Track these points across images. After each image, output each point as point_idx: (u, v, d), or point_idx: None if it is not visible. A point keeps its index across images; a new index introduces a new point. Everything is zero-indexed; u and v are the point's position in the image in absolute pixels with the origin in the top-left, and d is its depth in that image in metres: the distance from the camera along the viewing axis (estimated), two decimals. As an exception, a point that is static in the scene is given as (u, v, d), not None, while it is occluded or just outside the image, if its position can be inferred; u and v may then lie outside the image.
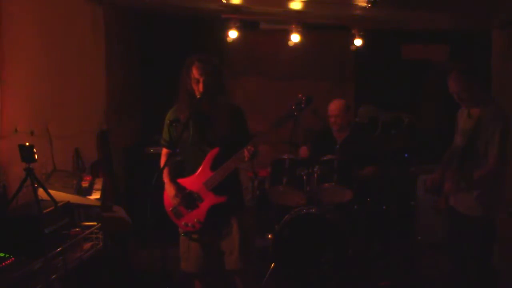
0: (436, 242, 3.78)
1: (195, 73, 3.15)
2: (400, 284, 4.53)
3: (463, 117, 3.54)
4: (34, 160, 3.08)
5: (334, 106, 4.81)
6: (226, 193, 3.21)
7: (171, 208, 3.28)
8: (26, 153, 3.06)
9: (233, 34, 6.04)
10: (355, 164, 4.48)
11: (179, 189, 3.25)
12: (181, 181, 3.29)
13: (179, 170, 3.34)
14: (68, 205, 3.30)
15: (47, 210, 3.04)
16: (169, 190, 3.27)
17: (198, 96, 3.15)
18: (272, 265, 4.41)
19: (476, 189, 3.35)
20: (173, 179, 3.29)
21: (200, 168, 3.23)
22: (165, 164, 3.23)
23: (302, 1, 5.02)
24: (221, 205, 3.22)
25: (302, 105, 3.11)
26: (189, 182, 3.26)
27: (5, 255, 2.76)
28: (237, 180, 3.41)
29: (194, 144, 3.24)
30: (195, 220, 3.23)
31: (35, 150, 3.08)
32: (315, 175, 4.42)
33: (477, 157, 3.34)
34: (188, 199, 3.23)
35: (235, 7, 5.43)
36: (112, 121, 5.37)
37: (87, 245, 3.41)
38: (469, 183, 3.33)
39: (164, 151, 3.41)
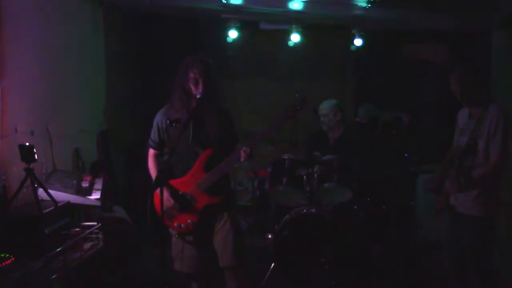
0: (436, 242, 3.78)
1: (195, 73, 3.15)
2: (400, 284, 4.53)
3: (464, 117, 3.54)
4: (34, 160, 3.08)
5: (323, 106, 4.83)
6: (219, 194, 3.23)
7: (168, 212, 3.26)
8: (26, 153, 3.06)
9: (233, 34, 6.05)
10: (348, 163, 4.48)
11: (172, 191, 3.24)
12: (172, 182, 3.27)
13: (170, 171, 3.32)
14: (68, 205, 3.30)
15: (47, 210, 3.04)
16: (164, 194, 3.21)
17: (198, 96, 3.15)
18: (272, 265, 4.41)
19: (476, 188, 3.35)
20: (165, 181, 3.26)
21: (193, 170, 3.23)
22: (163, 168, 3.21)
23: (302, 1, 5.02)
24: (214, 205, 3.23)
25: (297, 107, 3.12)
26: (181, 184, 3.25)
27: (5, 255, 2.76)
28: (228, 179, 3.42)
29: (187, 145, 3.22)
30: (188, 221, 3.24)
31: (35, 150, 3.08)
32: (315, 175, 4.42)
33: (478, 156, 3.34)
34: (181, 201, 3.22)
35: (235, 7, 5.43)
36: (112, 121, 5.37)
37: (87, 245, 3.41)
38: (470, 182, 3.33)
39: (152, 152, 3.38)
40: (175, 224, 3.26)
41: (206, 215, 3.24)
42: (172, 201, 3.21)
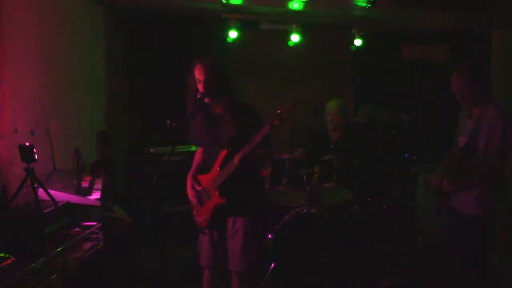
0: (436, 242, 3.78)
1: (196, 74, 3.18)
2: (400, 284, 4.53)
3: (464, 117, 3.54)
4: (34, 160, 3.08)
5: (333, 105, 4.81)
6: (229, 196, 3.21)
7: (192, 204, 3.39)
8: (26, 153, 3.06)
9: (233, 34, 6.05)
10: (349, 163, 4.48)
11: (193, 184, 3.37)
12: (200, 177, 3.40)
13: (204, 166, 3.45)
14: (68, 205, 3.29)
15: (47, 210, 3.04)
16: (187, 185, 3.39)
17: (198, 96, 3.17)
18: (272, 265, 4.40)
19: (476, 187, 3.35)
20: (193, 175, 3.41)
21: (213, 167, 3.29)
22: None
23: (302, 1, 5.03)
24: (227, 206, 3.23)
25: (283, 115, 3.01)
26: (205, 179, 3.36)
27: (5, 255, 2.76)
28: (248, 183, 3.32)
29: (208, 144, 3.34)
30: (204, 217, 3.31)
31: (35, 150, 3.08)
32: (315, 175, 4.42)
33: (477, 156, 3.34)
34: (199, 194, 3.33)
35: (235, 7, 5.43)
36: (112, 121, 5.37)
37: (87, 245, 3.41)
38: (469, 182, 3.33)
39: (199, 149, 3.55)
40: (196, 218, 3.37)
41: (219, 215, 3.27)
42: (192, 193, 3.34)
